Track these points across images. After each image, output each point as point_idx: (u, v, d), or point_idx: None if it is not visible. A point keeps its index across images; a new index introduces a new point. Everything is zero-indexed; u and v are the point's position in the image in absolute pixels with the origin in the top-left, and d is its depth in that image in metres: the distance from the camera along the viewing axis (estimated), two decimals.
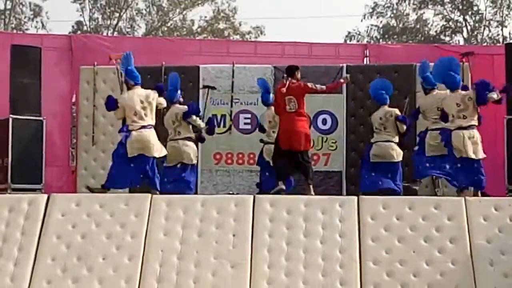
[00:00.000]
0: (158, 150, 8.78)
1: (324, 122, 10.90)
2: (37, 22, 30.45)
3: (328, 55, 13.45)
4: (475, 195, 8.67)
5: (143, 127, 8.70)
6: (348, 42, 30.12)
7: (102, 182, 8.99)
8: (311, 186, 8.86)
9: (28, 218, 7.50)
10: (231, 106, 11.23)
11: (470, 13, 29.59)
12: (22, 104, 10.68)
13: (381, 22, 31.43)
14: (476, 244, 7.09)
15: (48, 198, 7.69)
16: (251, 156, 10.96)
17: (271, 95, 10.09)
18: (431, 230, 7.21)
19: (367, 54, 13.65)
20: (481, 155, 8.84)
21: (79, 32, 29.31)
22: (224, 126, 11.23)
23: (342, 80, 9.74)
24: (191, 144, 9.35)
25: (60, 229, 7.40)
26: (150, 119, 8.78)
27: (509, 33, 28.97)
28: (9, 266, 7.18)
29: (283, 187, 8.90)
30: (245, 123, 11.24)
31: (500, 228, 7.19)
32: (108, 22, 30.48)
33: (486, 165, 11.42)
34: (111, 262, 7.18)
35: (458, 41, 29.85)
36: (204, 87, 10.75)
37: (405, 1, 30.82)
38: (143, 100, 8.74)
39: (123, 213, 7.49)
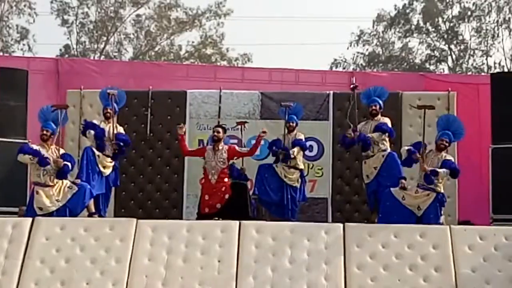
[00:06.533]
0: None
1: (311, 148, 10.92)
2: (23, 44, 30.38)
3: (315, 82, 13.52)
4: None
5: None
6: (334, 69, 30.22)
7: None
8: None
9: (12, 241, 7.45)
10: None
11: (455, 42, 29.82)
12: (8, 126, 10.63)
13: (367, 50, 31.61)
14: (461, 273, 7.11)
15: (33, 221, 7.64)
16: None
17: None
18: (416, 258, 7.22)
19: (354, 82, 13.72)
20: None
21: (66, 55, 29.29)
22: None
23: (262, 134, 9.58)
24: None
25: (44, 253, 7.35)
26: None
27: (494, 63, 29.20)
28: None
29: None
30: None
31: (485, 257, 7.22)
32: (96, 46, 30.48)
33: (471, 194, 11.51)
34: (95, 287, 7.13)
35: (443, 69, 30.05)
36: (238, 123, 10.75)
37: (390, 30, 31.05)
38: None
39: (108, 238, 7.46)
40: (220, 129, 9.39)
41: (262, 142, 9.70)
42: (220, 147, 9.28)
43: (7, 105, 10.70)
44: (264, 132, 9.47)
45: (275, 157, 9.90)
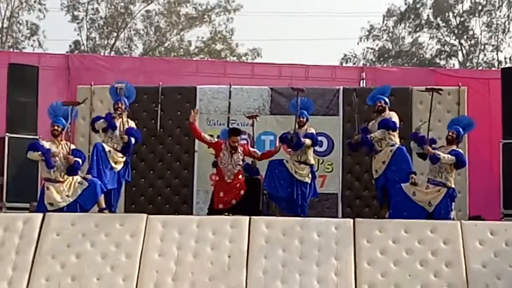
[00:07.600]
0: None
1: (320, 144, 10.88)
2: (34, 41, 30.48)
3: (325, 77, 13.51)
4: None
5: None
6: (344, 64, 30.17)
7: None
8: None
9: (23, 237, 7.48)
10: (228, 127, 11.20)
11: (465, 37, 29.74)
12: (19, 122, 10.69)
13: (377, 45, 31.54)
14: (471, 268, 7.10)
15: (44, 217, 7.67)
16: None
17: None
18: (427, 253, 7.21)
19: (364, 77, 13.71)
20: None
21: (76, 51, 29.35)
22: None
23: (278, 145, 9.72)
24: None
25: (55, 249, 7.38)
26: None
27: (504, 58, 29.11)
28: (3, 285, 7.15)
29: None
30: None
31: (495, 253, 7.21)
32: (106, 41, 30.53)
33: (482, 189, 11.47)
34: (105, 282, 7.16)
35: (453, 64, 29.97)
36: (249, 117, 10.73)
37: (400, 24, 30.97)
38: None
39: (118, 233, 7.48)
40: (238, 138, 9.35)
41: (277, 144, 9.75)
42: (237, 150, 9.28)
43: (18, 101, 10.76)
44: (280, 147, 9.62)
45: (285, 144, 9.85)
